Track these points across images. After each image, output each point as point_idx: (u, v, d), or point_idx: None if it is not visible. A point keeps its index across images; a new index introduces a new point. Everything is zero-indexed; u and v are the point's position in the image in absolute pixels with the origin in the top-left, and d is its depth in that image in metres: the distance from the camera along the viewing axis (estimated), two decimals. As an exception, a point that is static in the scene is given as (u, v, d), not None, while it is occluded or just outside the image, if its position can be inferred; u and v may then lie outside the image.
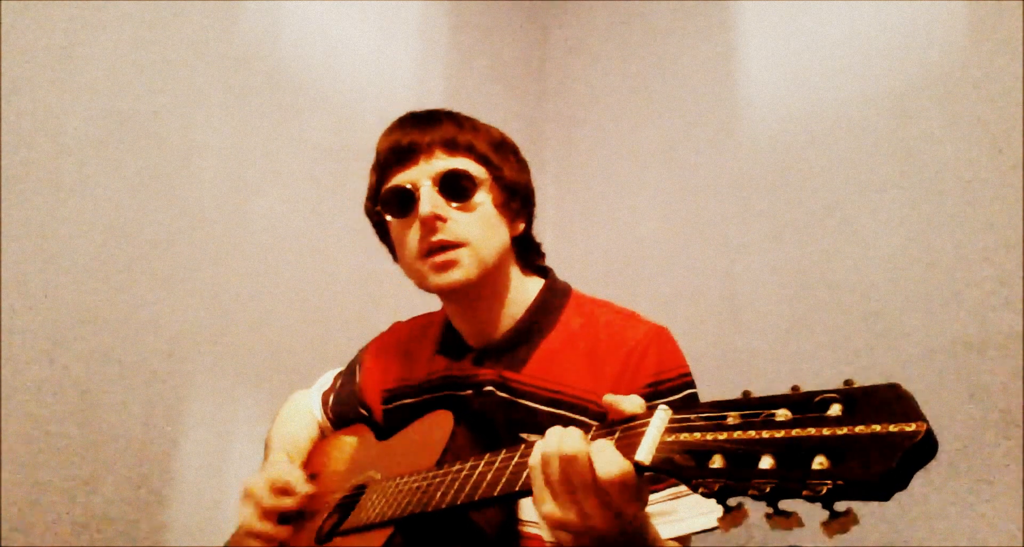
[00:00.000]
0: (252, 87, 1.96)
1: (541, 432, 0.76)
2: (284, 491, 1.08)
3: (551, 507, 0.71)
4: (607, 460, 0.67)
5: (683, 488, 0.93)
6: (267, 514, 1.07)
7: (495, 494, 0.80)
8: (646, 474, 0.67)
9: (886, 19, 1.84)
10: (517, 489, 0.77)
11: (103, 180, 1.68)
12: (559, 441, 0.71)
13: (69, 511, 1.53)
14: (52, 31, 1.65)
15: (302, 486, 1.09)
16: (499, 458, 0.83)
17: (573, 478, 0.69)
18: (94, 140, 1.68)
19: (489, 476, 0.82)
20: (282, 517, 1.09)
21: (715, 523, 0.93)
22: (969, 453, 1.53)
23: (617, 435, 0.70)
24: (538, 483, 0.73)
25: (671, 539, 0.92)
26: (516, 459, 0.80)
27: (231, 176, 1.88)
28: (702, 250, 2.11)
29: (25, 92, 1.59)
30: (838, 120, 1.89)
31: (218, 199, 1.85)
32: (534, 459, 0.74)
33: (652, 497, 0.92)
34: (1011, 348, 1.52)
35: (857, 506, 0.51)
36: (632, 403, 0.72)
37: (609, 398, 0.74)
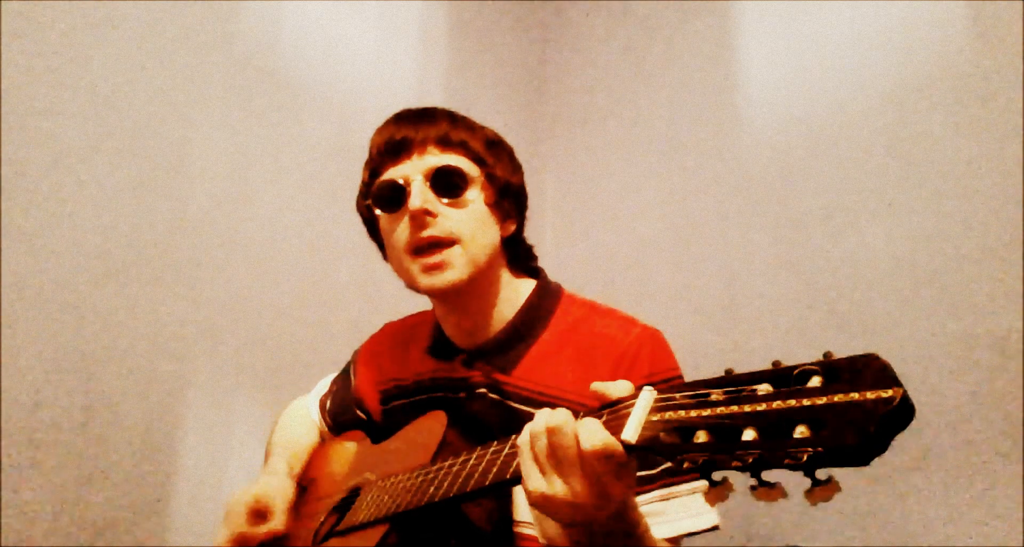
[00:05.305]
0: (252, 87, 1.96)
1: None
2: (263, 514, 1.06)
3: (538, 482, 0.72)
4: (591, 432, 0.69)
5: (674, 489, 0.94)
6: (241, 539, 1.05)
7: (487, 483, 0.80)
8: (631, 454, 0.68)
9: (886, 19, 1.84)
10: (508, 476, 0.78)
11: (103, 180, 1.68)
12: (546, 417, 0.72)
13: (69, 511, 1.53)
14: (52, 31, 1.65)
15: (283, 511, 1.07)
16: (489, 450, 0.84)
17: (559, 450, 0.70)
18: (94, 141, 1.68)
19: (481, 467, 0.83)
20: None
21: (705, 525, 0.93)
22: (969, 453, 1.53)
23: (604, 417, 0.72)
24: (526, 459, 0.73)
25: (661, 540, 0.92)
26: (507, 449, 0.81)
27: (231, 176, 1.88)
28: (702, 250, 2.11)
29: (25, 92, 1.60)
30: (838, 120, 1.89)
31: (218, 199, 1.85)
32: (522, 437, 0.75)
33: (642, 498, 0.92)
34: (1011, 348, 1.51)
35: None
36: (618, 389, 0.73)
37: (596, 386, 0.75)
